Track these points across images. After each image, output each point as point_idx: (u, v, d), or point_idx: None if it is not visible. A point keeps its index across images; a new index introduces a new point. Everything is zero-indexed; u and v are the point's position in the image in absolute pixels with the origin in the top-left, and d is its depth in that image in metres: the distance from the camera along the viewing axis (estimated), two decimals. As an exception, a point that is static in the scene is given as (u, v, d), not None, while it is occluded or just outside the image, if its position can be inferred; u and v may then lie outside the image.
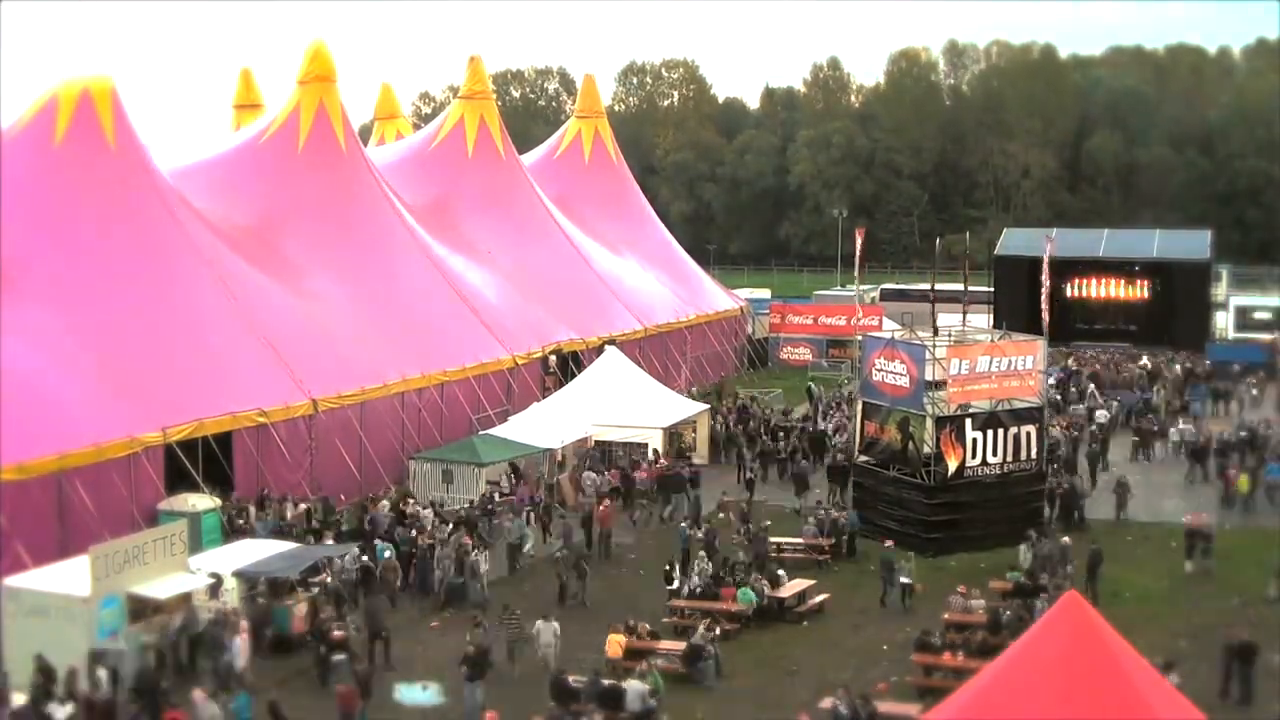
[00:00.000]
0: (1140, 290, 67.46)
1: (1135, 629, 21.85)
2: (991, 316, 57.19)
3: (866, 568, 29.16)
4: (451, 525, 29.41)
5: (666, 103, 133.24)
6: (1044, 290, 49.66)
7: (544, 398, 40.73)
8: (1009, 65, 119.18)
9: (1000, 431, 30.67)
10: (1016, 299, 60.08)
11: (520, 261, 48.46)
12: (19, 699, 20.02)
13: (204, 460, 30.15)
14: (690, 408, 40.14)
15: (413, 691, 22.04)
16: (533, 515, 31.44)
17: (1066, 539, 28.41)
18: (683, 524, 30.53)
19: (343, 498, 33.22)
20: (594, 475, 34.29)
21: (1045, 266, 49.87)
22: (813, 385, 50.50)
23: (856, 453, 33.65)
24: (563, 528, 29.76)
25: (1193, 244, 66.69)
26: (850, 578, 28.06)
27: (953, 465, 30.18)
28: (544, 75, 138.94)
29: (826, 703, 20.12)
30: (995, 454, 30.61)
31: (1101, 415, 42.22)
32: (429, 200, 48.08)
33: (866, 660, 22.77)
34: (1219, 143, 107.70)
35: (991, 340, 32.48)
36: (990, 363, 30.85)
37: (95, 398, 28.51)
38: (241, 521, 29.08)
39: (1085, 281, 67.52)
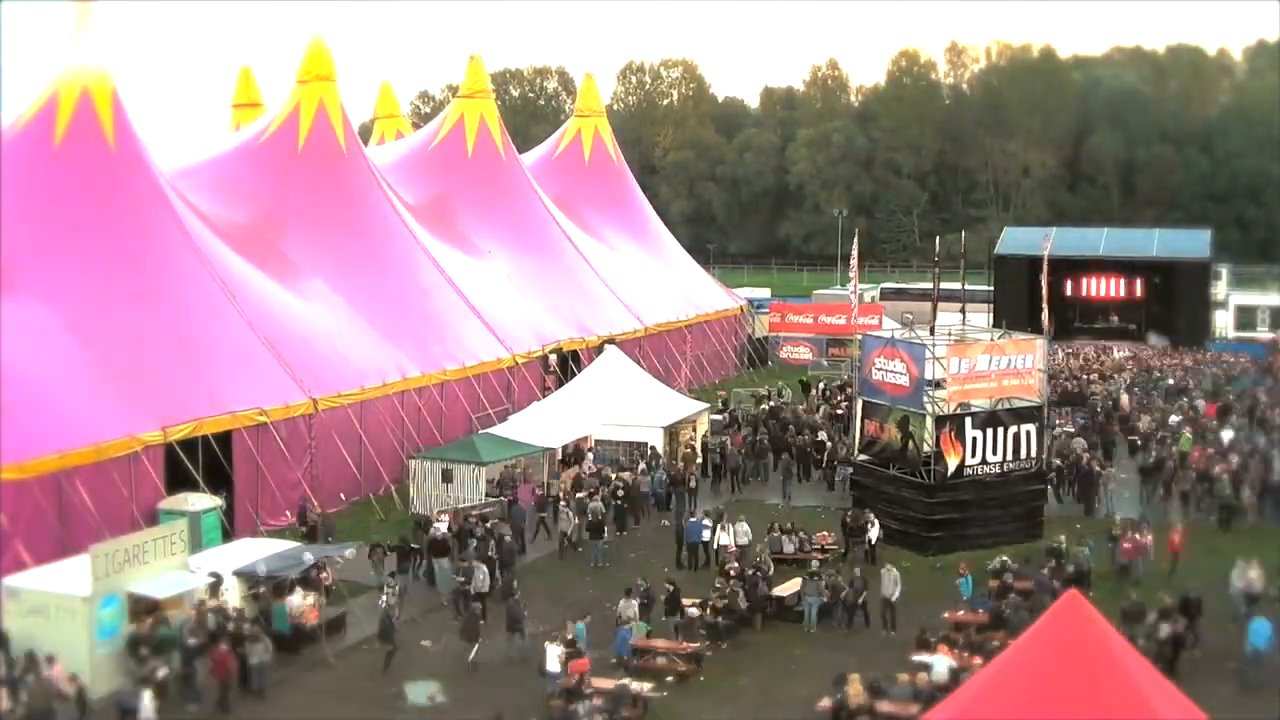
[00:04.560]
0: (1140, 289, 67.59)
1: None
2: (991, 315, 57.26)
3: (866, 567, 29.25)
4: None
5: (666, 102, 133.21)
6: (1043, 289, 49.68)
7: (544, 397, 40.74)
8: (1009, 65, 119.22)
9: (1000, 430, 30.68)
10: (1016, 298, 60.18)
11: (520, 261, 48.47)
12: None
13: (204, 460, 30.14)
14: (690, 407, 40.11)
15: (412, 691, 22.07)
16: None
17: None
18: (692, 519, 30.46)
19: (342, 497, 33.23)
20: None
21: (1045, 266, 49.89)
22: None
23: (856, 452, 33.67)
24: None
25: (1192, 243, 66.82)
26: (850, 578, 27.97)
27: (952, 464, 30.19)
28: (543, 74, 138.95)
29: (824, 703, 20.16)
30: (995, 453, 30.62)
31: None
32: (429, 200, 48.09)
33: (866, 660, 22.76)
34: (1219, 142, 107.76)
35: (991, 339, 32.48)
36: (990, 361, 30.86)
37: (95, 398, 28.49)
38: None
39: (1085, 280, 67.65)
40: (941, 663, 21.15)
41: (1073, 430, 39.59)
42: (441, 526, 28.90)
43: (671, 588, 25.33)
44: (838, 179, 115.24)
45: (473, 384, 39.99)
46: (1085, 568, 26.83)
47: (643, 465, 35.01)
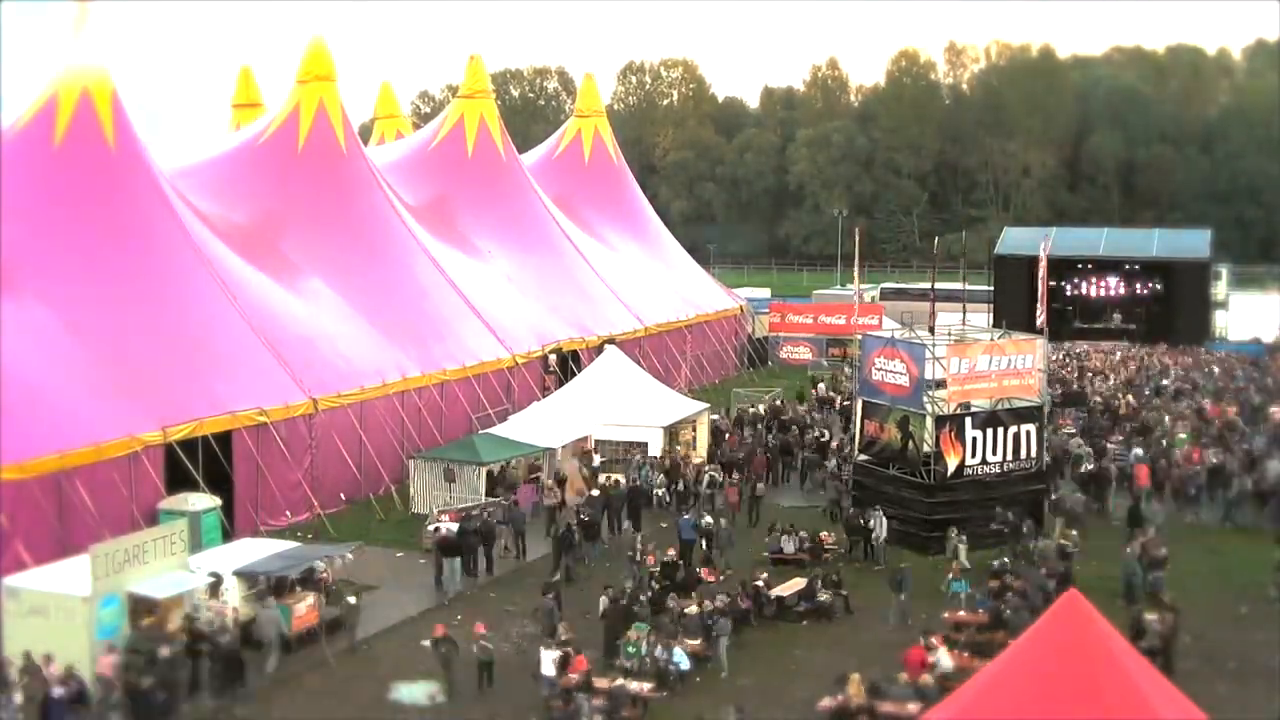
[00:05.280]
0: (1140, 289, 67.64)
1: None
2: (991, 315, 57.29)
3: (870, 568, 29.26)
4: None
5: (666, 102, 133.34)
6: (1041, 290, 49.73)
7: (544, 397, 40.73)
8: (1009, 65, 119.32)
9: (1000, 430, 30.67)
10: (1016, 298, 60.21)
11: (520, 261, 48.47)
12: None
13: (204, 460, 30.13)
14: (690, 407, 40.08)
15: (412, 691, 22.07)
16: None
17: None
18: (686, 516, 30.39)
19: (342, 497, 33.24)
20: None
21: (1042, 266, 49.92)
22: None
23: (856, 452, 33.64)
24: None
25: (1192, 243, 66.88)
26: (851, 578, 28.03)
27: (952, 464, 30.18)
28: (543, 74, 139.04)
29: (824, 703, 20.16)
30: (995, 453, 30.61)
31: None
32: (429, 200, 48.10)
33: (866, 660, 22.78)
34: (1219, 142, 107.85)
35: (991, 339, 32.47)
36: (990, 361, 30.85)
37: (95, 398, 28.47)
38: None
39: (1085, 280, 67.70)
40: (944, 659, 21.18)
41: (1072, 430, 39.59)
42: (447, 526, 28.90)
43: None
44: (838, 179, 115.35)
45: (473, 384, 39.99)
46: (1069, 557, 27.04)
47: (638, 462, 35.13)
